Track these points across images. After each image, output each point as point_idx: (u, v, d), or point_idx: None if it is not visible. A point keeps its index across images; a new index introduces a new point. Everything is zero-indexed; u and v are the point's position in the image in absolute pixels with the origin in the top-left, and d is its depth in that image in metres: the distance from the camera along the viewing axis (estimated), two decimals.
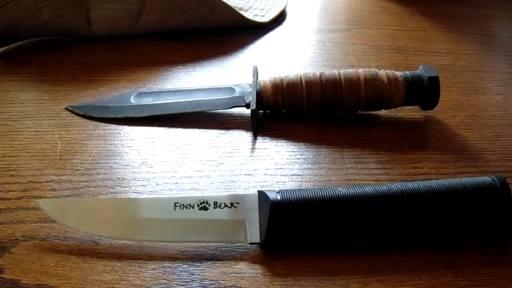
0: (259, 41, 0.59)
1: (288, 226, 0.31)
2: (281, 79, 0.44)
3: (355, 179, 0.38)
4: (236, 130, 0.43)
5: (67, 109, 0.46)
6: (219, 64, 0.54)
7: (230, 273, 0.31)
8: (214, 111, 0.45)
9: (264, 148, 0.42)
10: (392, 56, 0.56)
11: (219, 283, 0.30)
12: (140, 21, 0.56)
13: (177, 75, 0.52)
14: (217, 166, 0.39)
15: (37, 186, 0.37)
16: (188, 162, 0.40)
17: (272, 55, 0.56)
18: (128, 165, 0.39)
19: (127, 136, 0.43)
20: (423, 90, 0.43)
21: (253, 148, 0.41)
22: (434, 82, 0.42)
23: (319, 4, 0.70)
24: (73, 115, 0.45)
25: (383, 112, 0.46)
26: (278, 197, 0.31)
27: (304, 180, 0.38)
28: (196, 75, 0.52)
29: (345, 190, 0.32)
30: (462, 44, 0.59)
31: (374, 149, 0.41)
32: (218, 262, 0.31)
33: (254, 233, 0.32)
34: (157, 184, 0.37)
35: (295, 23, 0.64)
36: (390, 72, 0.43)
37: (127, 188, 0.37)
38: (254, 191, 0.36)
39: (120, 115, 0.45)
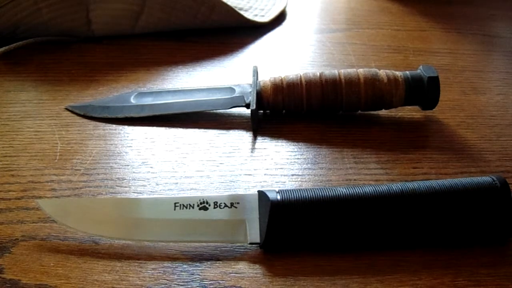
0: (259, 41, 0.59)
1: (288, 226, 0.31)
2: (281, 79, 0.44)
3: (355, 179, 0.38)
4: (236, 130, 0.43)
5: (67, 109, 0.46)
6: (219, 64, 0.54)
7: (230, 273, 0.31)
8: (214, 111, 0.45)
9: (264, 148, 0.42)
10: (392, 56, 0.56)
11: (219, 283, 0.30)
12: (140, 21, 0.56)
13: (177, 75, 0.52)
14: (217, 166, 0.39)
15: (37, 186, 0.37)
16: (188, 162, 0.40)
17: (272, 55, 0.56)
18: (128, 165, 0.39)
19: (127, 136, 0.43)
20: (423, 90, 0.43)
21: (253, 148, 0.41)
22: (434, 82, 0.42)
23: (319, 4, 0.70)
24: (73, 115, 0.45)
25: (383, 112, 0.46)
26: (278, 197, 0.31)
27: (304, 180, 0.38)
28: (196, 75, 0.52)
29: (345, 190, 0.32)
30: (462, 44, 0.59)
31: (374, 149, 0.41)
32: (218, 262, 0.31)
33: (254, 233, 0.32)
34: (157, 184, 0.37)
35: (295, 23, 0.64)
36: (390, 72, 0.43)
37: (127, 188, 0.37)
38: (254, 191, 0.36)
39: (120, 115, 0.45)
